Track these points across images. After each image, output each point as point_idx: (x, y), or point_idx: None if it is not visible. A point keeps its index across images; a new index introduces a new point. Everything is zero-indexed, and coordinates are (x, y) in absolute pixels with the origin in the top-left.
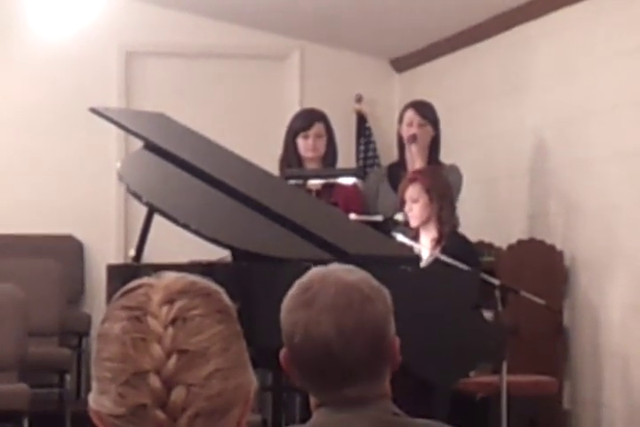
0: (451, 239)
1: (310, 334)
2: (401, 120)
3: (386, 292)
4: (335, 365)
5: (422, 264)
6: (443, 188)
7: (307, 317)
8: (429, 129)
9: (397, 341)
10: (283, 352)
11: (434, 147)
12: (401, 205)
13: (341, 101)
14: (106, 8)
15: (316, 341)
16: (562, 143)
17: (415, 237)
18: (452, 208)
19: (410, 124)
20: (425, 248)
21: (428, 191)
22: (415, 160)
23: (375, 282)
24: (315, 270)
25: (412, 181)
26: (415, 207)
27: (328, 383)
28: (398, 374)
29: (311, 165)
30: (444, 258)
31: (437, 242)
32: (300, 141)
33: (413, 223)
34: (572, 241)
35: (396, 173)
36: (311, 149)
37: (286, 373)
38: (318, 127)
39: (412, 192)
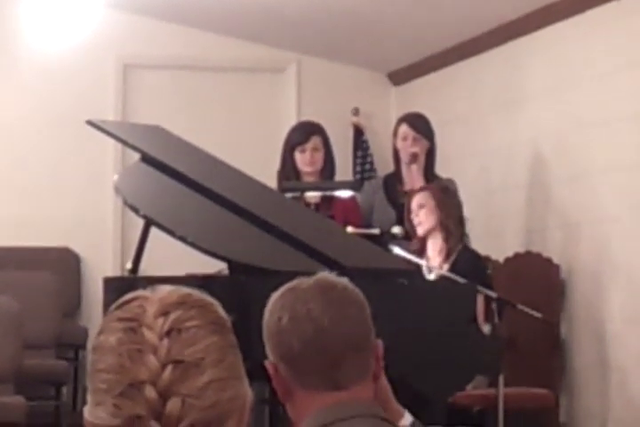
0: (462, 255)
1: (298, 312)
2: (395, 134)
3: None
4: (325, 342)
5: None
6: (451, 200)
7: (292, 298)
8: (424, 142)
9: (381, 344)
10: (268, 362)
11: (429, 160)
12: (407, 214)
13: (338, 114)
14: (103, 20)
15: (304, 318)
16: (557, 156)
17: (421, 249)
18: (462, 225)
19: (404, 139)
20: (424, 261)
21: (435, 197)
22: (416, 179)
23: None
24: None
25: (421, 189)
26: (421, 213)
27: (318, 366)
28: (394, 387)
29: (309, 179)
30: (448, 275)
31: (446, 256)
32: (298, 155)
33: (420, 231)
34: (568, 254)
35: (392, 184)
36: (308, 163)
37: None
38: (315, 141)
39: (420, 198)
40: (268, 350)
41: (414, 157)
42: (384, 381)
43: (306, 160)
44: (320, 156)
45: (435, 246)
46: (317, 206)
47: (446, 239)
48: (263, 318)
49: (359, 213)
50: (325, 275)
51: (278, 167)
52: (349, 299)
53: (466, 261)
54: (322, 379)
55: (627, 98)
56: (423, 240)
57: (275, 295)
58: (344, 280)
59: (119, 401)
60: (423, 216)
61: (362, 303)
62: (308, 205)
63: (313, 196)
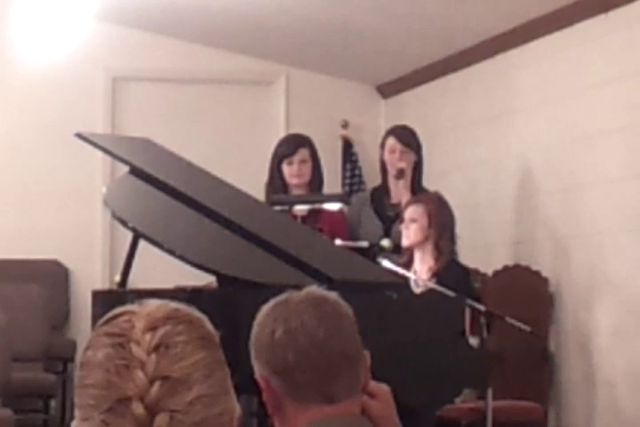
0: (448, 268)
1: (292, 325)
2: (383, 146)
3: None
4: (321, 355)
5: (416, 292)
6: (445, 218)
7: (285, 311)
8: (412, 156)
9: (368, 357)
10: (259, 374)
11: (417, 173)
12: (400, 222)
13: (327, 127)
14: (92, 33)
15: (299, 331)
16: (546, 169)
17: (408, 263)
18: (452, 241)
19: (392, 152)
20: (412, 274)
21: (428, 215)
22: (403, 195)
23: None
24: None
25: (417, 201)
26: (412, 227)
27: (313, 380)
28: None
29: (297, 192)
30: (437, 288)
31: (434, 274)
32: (285, 168)
33: (404, 242)
34: (557, 267)
35: (380, 197)
36: (296, 176)
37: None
38: (303, 153)
39: (413, 212)
40: (259, 364)
41: (401, 173)
42: (389, 396)
43: (293, 172)
44: (308, 168)
45: (423, 263)
46: (304, 219)
47: (437, 259)
48: (252, 332)
49: (346, 226)
50: (315, 289)
51: (266, 180)
52: (341, 312)
53: (451, 274)
54: (315, 392)
55: (615, 111)
56: (411, 252)
57: (265, 309)
58: (334, 294)
59: (107, 417)
60: (412, 231)
61: (351, 317)
62: (294, 217)
63: (300, 209)
